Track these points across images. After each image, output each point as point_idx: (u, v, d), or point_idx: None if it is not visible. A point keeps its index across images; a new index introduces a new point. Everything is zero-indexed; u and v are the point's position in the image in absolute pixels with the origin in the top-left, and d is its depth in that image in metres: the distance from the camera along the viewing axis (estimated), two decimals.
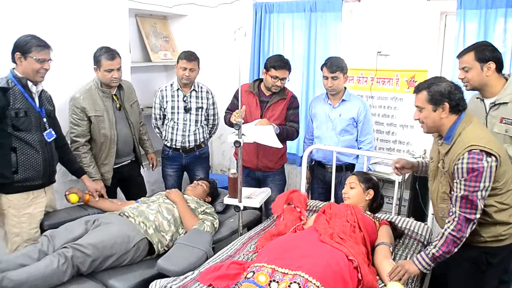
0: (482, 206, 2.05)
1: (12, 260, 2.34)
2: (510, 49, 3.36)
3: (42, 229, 2.83)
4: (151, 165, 3.78)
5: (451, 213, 2.11)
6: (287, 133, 3.36)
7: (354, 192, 2.71)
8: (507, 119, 2.35)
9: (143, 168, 3.75)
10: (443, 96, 2.10)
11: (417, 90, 2.18)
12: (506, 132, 2.36)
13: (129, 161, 3.51)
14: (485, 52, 2.36)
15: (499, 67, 2.39)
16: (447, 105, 2.10)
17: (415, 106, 2.21)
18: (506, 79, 2.40)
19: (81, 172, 3.12)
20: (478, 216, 2.04)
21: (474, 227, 2.06)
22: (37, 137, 2.72)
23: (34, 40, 2.64)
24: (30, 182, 2.73)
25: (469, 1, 3.42)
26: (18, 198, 2.71)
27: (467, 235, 2.06)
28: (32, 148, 2.70)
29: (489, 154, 2.00)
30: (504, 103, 2.36)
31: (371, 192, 2.73)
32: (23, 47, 2.61)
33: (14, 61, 2.66)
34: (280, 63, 3.28)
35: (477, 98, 2.53)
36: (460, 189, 2.06)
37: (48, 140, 2.80)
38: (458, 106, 2.12)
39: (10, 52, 2.68)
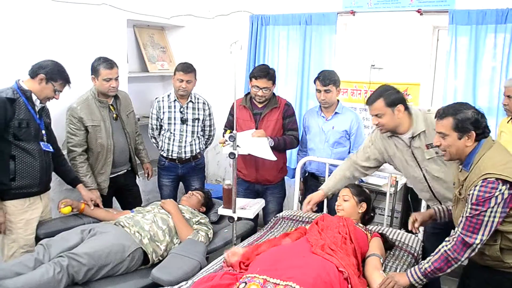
0: (490, 232, 1.98)
1: (8, 268, 2.36)
2: (500, 63, 3.44)
3: (38, 237, 2.85)
4: (146, 175, 3.81)
5: (453, 233, 2.09)
6: (284, 142, 3.36)
7: (348, 205, 2.74)
8: (430, 144, 2.45)
9: (139, 177, 3.78)
10: (470, 124, 2.03)
11: (442, 115, 2.09)
12: (437, 153, 2.46)
13: (125, 170, 3.54)
14: (391, 97, 2.48)
15: (406, 106, 2.52)
16: (473, 133, 2.03)
17: (437, 132, 2.13)
18: (411, 113, 2.53)
19: (76, 182, 3.15)
20: (478, 241, 1.98)
21: (472, 254, 2.02)
22: (36, 146, 2.76)
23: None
24: (27, 189, 2.77)
25: (461, 17, 3.50)
26: (15, 204, 2.74)
27: (463, 260, 2.03)
28: (30, 156, 2.74)
29: (504, 182, 1.93)
30: (421, 132, 2.50)
31: (364, 205, 2.77)
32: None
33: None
34: (259, 72, 3.29)
35: (389, 137, 2.67)
36: (466, 211, 2.01)
37: (45, 149, 2.85)
38: (483, 134, 2.06)
39: (12, 62, 2.79)
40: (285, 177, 3.67)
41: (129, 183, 3.62)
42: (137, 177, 3.73)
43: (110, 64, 3.18)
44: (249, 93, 3.51)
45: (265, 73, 3.28)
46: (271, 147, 3.21)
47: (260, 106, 3.42)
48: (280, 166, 3.51)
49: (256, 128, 3.37)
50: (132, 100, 3.62)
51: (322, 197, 2.97)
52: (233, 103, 3.36)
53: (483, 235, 1.98)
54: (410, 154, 2.60)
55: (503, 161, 2.00)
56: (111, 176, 3.39)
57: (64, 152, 3.37)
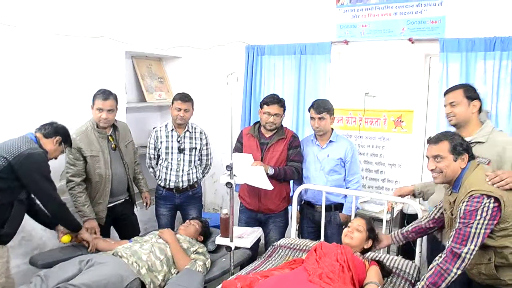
0: (477, 243, 2.08)
1: None
2: (491, 88, 3.50)
3: (36, 268, 2.86)
4: (145, 204, 3.82)
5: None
6: (285, 173, 3.38)
7: (358, 236, 2.71)
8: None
9: (137, 207, 3.79)
10: (462, 147, 2.22)
11: (437, 140, 2.27)
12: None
13: (123, 200, 3.56)
14: (472, 92, 2.55)
15: (480, 108, 2.56)
16: (467, 155, 2.22)
17: (431, 155, 2.28)
18: (482, 123, 2.55)
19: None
20: (466, 251, 2.07)
21: (463, 265, 2.08)
22: (25, 197, 2.80)
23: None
24: (9, 238, 2.76)
25: (451, 45, 3.58)
26: None
27: (455, 271, 2.08)
28: (23, 206, 2.80)
29: (489, 196, 2.09)
30: (479, 142, 2.51)
31: (370, 242, 2.76)
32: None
33: None
34: (271, 99, 3.38)
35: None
36: (456, 225, 2.15)
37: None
38: (472, 157, 2.26)
39: (12, 95, 2.88)
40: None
41: (127, 212, 3.63)
42: (135, 206, 3.74)
43: (105, 95, 3.23)
44: (257, 122, 3.55)
45: (276, 99, 3.38)
46: (270, 175, 3.24)
47: (267, 136, 3.47)
48: (283, 195, 3.53)
49: (262, 157, 3.40)
50: (130, 131, 3.66)
51: (411, 191, 3.00)
52: (241, 131, 3.40)
53: (470, 245, 2.08)
54: None
55: (486, 179, 2.17)
56: (108, 205, 3.41)
57: (62, 182, 3.42)
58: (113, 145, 3.40)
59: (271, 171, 3.27)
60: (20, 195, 2.73)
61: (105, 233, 3.44)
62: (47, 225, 3.13)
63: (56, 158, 2.98)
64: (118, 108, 3.39)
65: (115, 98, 3.31)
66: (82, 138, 3.24)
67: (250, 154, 3.16)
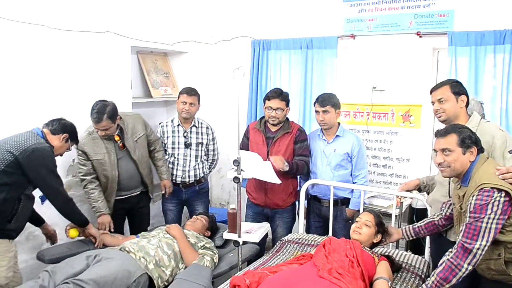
0: (489, 239, 2.05)
1: None
2: (500, 82, 3.47)
3: (43, 263, 2.86)
4: (163, 192, 3.73)
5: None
6: (297, 167, 3.34)
7: (367, 231, 2.69)
8: None
9: (153, 198, 3.77)
10: (471, 140, 2.19)
11: (445, 133, 2.24)
12: None
13: (139, 192, 3.56)
14: (459, 87, 2.54)
15: (467, 103, 2.56)
16: (475, 149, 2.19)
17: (439, 149, 2.25)
18: (469, 116, 2.55)
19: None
20: (477, 246, 2.04)
21: (475, 261, 2.05)
22: (31, 192, 2.80)
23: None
24: (17, 232, 2.76)
25: (460, 39, 3.54)
26: (3, 243, 2.69)
27: (466, 266, 2.05)
28: (30, 202, 2.79)
29: (499, 190, 2.06)
30: None
31: (379, 236, 2.74)
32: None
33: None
34: (272, 93, 3.35)
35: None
36: (466, 220, 2.11)
37: (42, 202, 3.00)
38: (481, 150, 2.22)
39: (18, 91, 2.85)
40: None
41: (141, 204, 3.63)
42: (151, 199, 3.73)
43: (96, 118, 3.14)
44: (263, 117, 3.53)
45: (278, 93, 3.34)
46: (286, 171, 3.22)
47: (273, 130, 3.44)
48: (290, 190, 3.50)
49: (268, 152, 3.37)
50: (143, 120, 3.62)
51: (417, 186, 2.97)
52: (248, 126, 3.38)
53: (482, 240, 2.05)
54: None
55: (496, 172, 2.13)
56: (122, 197, 3.44)
57: (68, 177, 3.43)
58: (120, 145, 3.39)
59: (286, 167, 3.23)
60: (27, 190, 2.72)
61: (119, 224, 3.50)
62: (33, 222, 3.06)
63: (61, 155, 2.97)
64: (124, 104, 3.35)
65: (110, 117, 3.18)
66: (87, 142, 3.26)
67: (256, 153, 3.14)
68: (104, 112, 3.13)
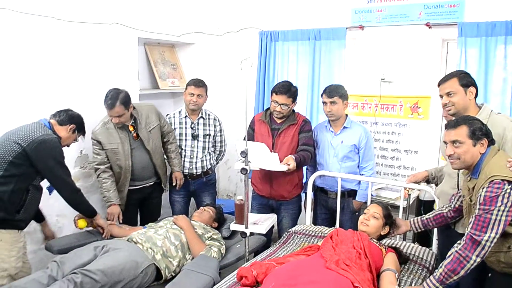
0: (498, 231, 2.04)
1: (22, 285, 2.37)
2: (511, 74, 3.43)
3: (51, 254, 2.88)
4: (174, 184, 3.73)
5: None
6: (304, 159, 3.29)
7: (375, 223, 2.69)
8: None
9: (165, 190, 3.78)
10: (482, 132, 2.17)
11: (455, 125, 2.21)
12: None
13: (152, 182, 3.58)
14: (467, 79, 2.50)
15: (476, 94, 2.52)
16: (486, 140, 2.17)
17: (449, 141, 2.23)
18: (480, 107, 2.51)
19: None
20: (486, 238, 2.02)
21: (483, 253, 2.04)
22: (39, 183, 2.81)
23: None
24: (25, 223, 2.76)
25: (470, 29, 3.50)
26: (12, 233, 2.69)
27: (474, 258, 2.04)
28: (38, 193, 2.80)
29: (510, 183, 2.04)
30: None
31: (387, 229, 2.73)
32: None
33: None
34: (280, 88, 3.30)
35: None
36: (476, 212, 2.10)
37: (50, 192, 3.01)
38: (491, 142, 2.20)
39: (26, 82, 2.86)
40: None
41: (153, 194, 3.65)
42: (164, 190, 3.75)
43: (110, 104, 3.17)
44: (268, 108, 3.50)
45: (286, 89, 3.29)
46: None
47: (279, 121, 3.42)
48: (296, 182, 3.48)
49: (273, 144, 3.35)
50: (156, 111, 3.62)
51: (425, 177, 2.96)
52: (253, 117, 3.37)
53: (491, 233, 2.04)
54: None
55: (507, 164, 2.12)
56: (136, 187, 3.47)
57: (76, 169, 3.45)
58: (134, 135, 3.40)
59: (292, 165, 3.13)
60: (35, 180, 2.73)
61: (132, 214, 3.56)
62: (35, 218, 3.02)
63: (68, 146, 2.98)
64: (131, 96, 3.35)
65: (124, 103, 3.20)
66: (101, 132, 3.28)
67: (263, 144, 3.12)
68: (117, 98, 3.17)
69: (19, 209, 2.67)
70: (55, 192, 2.91)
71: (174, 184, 3.71)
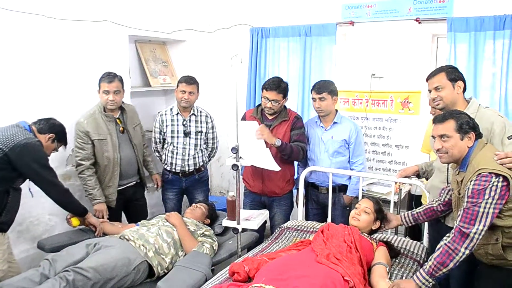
0: (486, 223, 2.05)
1: (14, 284, 2.37)
2: (500, 69, 3.46)
3: (43, 252, 2.88)
4: (155, 185, 3.80)
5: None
6: (291, 149, 3.27)
7: (366, 218, 2.70)
8: None
9: (147, 190, 3.79)
10: (469, 125, 2.18)
11: (442, 119, 2.23)
12: None
13: (134, 182, 3.57)
14: (454, 73, 2.52)
15: (465, 88, 2.54)
16: (473, 134, 2.19)
17: (437, 135, 2.25)
18: (468, 102, 2.53)
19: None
20: (474, 231, 2.04)
21: (472, 245, 2.06)
22: (20, 185, 2.79)
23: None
24: (7, 225, 2.75)
25: (459, 24, 3.52)
26: None
27: (463, 250, 2.06)
28: (18, 194, 2.78)
29: (497, 175, 2.06)
30: None
31: (378, 223, 2.75)
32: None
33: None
34: (270, 84, 3.29)
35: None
36: (464, 204, 2.12)
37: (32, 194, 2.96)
38: (479, 135, 2.22)
39: (15, 80, 2.82)
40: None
41: (138, 195, 3.65)
42: (145, 189, 3.74)
43: (110, 77, 3.23)
44: (260, 104, 3.50)
45: (276, 85, 3.28)
46: (277, 147, 3.19)
47: (270, 118, 3.41)
48: (287, 178, 3.48)
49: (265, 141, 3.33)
50: (138, 113, 3.65)
51: (415, 172, 2.96)
52: (244, 113, 3.36)
53: (479, 225, 2.06)
54: None
55: (495, 157, 2.14)
56: (119, 188, 3.42)
57: (67, 168, 3.43)
58: (121, 128, 3.40)
59: (278, 142, 3.17)
60: (16, 183, 2.72)
61: (116, 217, 3.47)
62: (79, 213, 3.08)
63: (48, 155, 2.89)
64: (125, 91, 3.36)
65: (121, 80, 3.30)
66: (89, 122, 3.24)
67: (255, 122, 3.10)
68: (116, 75, 3.25)
69: (1, 212, 2.66)
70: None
71: (155, 186, 3.81)
